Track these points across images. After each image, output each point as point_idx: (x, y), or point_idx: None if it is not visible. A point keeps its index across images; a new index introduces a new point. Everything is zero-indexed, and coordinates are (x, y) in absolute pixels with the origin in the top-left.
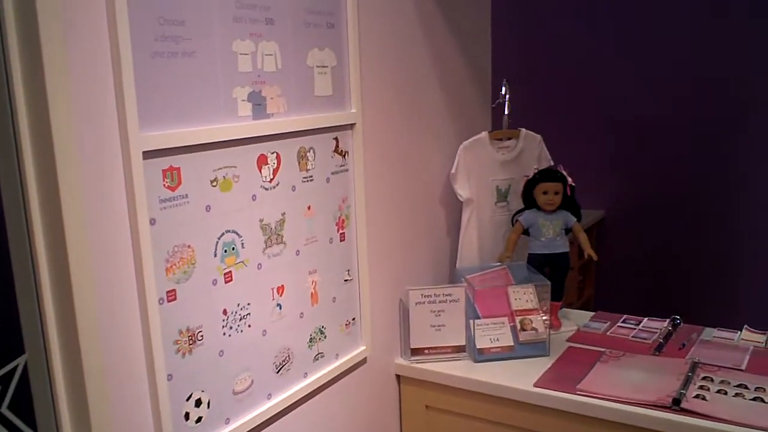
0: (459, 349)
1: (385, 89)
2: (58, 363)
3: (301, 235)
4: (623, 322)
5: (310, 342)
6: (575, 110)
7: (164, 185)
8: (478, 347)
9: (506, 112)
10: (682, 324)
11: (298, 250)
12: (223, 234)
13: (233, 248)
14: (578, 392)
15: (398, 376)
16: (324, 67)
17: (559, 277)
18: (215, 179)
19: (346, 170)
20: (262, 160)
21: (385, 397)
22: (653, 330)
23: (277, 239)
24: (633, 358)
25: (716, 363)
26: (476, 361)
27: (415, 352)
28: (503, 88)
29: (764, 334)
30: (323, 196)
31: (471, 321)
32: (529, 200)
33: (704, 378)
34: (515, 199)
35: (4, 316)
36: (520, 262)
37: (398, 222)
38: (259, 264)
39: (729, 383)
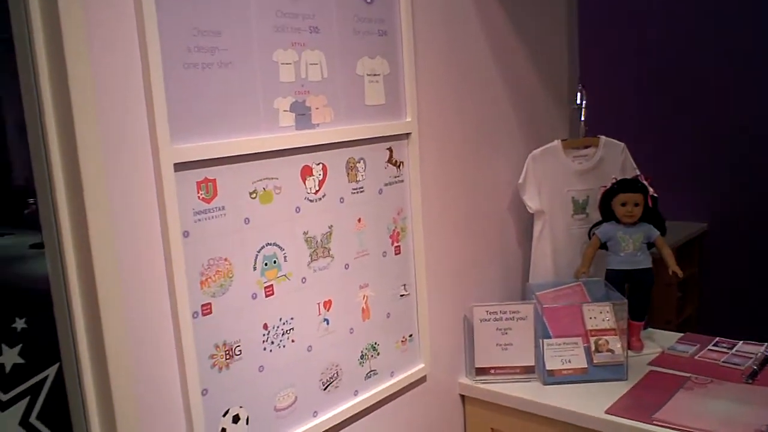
0: (528, 370)
1: (444, 97)
2: (89, 374)
3: (350, 248)
4: (714, 345)
5: (362, 359)
6: (674, 116)
7: (199, 197)
8: (547, 368)
9: (582, 119)
10: None
11: (347, 264)
12: (263, 247)
13: (275, 261)
14: (654, 422)
15: (462, 397)
16: (376, 75)
17: (640, 295)
18: (254, 191)
19: (402, 181)
20: (306, 172)
21: (448, 417)
22: (748, 355)
23: (323, 252)
24: (721, 386)
25: None
26: (545, 383)
27: (480, 371)
28: (578, 95)
29: None
30: (375, 208)
31: (541, 340)
32: (607, 212)
33: None
34: (595, 211)
35: (38, 328)
36: (597, 279)
37: (460, 235)
38: (304, 278)
39: None
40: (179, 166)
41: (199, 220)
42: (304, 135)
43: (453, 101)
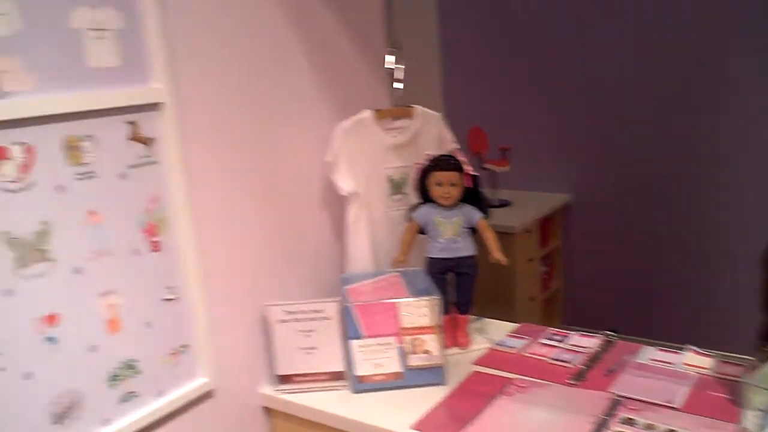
0: (336, 376)
1: (214, 58)
2: None
3: (80, 248)
4: (547, 338)
5: (113, 380)
6: (535, 83)
7: None
8: (357, 374)
9: (396, 86)
10: (616, 342)
11: (78, 268)
12: None
13: None
14: None
15: (267, 410)
16: (101, 30)
17: (464, 286)
18: None
19: (154, 162)
20: None
21: None
22: (581, 349)
23: (37, 256)
24: (543, 390)
25: (644, 398)
26: (355, 391)
27: (283, 379)
28: (390, 57)
29: (712, 357)
30: (116, 197)
31: (349, 342)
32: (424, 193)
33: (625, 420)
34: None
35: None
36: (416, 269)
37: (251, 225)
38: (8, 290)
39: (655, 428)
40: None
41: None
42: None
43: (227, 64)
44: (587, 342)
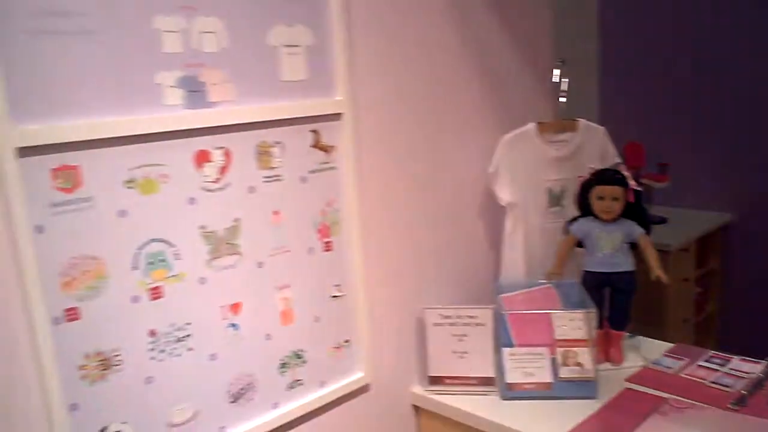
0: (486, 382)
1: (389, 72)
2: None
3: (264, 244)
4: (706, 360)
5: (282, 368)
6: (695, 100)
7: (55, 187)
8: (507, 381)
9: (561, 99)
10: None
11: (260, 262)
12: (146, 244)
13: (162, 260)
14: None
15: (416, 408)
16: (294, 46)
17: (620, 302)
18: (132, 180)
19: (332, 168)
20: (202, 157)
21: (399, 430)
22: (742, 375)
23: (228, 249)
24: (701, 413)
25: None
26: (504, 398)
27: (434, 380)
28: (556, 71)
29: None
30: (297, 199)
31: (501, 349)
32: (585, 206)
33: None
34: (572, 203)
35: None
36: (571, 281)
37: (413, 229)
38: (202, 278)
39: None
40: (25, 151)
41: (58, 212)
42: (197, 115)
43: (400, 78)
44: (749, 367)
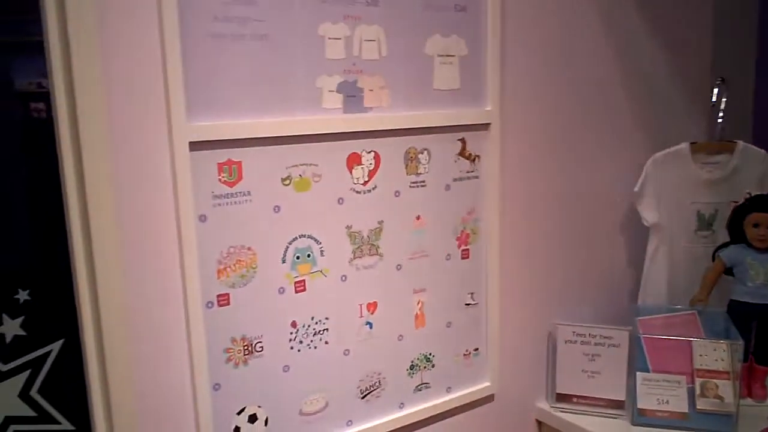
0: (615, 405)
1: (537, 85)
2: (93, 352)
3: (404, 247)
4: None
5: (411, 369)
6: None
7: (220, 180)
8: (639, 407)
9: (719, 120)
10: None
11: (399, 265)
12: (295, 239)
13: (309, 255)
14: None
15: (539, 423)
16: (449, 56)
17: None
18: (288, 177)
19: (476, 177)
20: (354, 160)
21: None
22: None
23: (370, 250)
24: None
25: None
26: (634, 423)
27: (561, 398)
28: (715, 90)
29: None
30: (440, 206)
31: (636, 373)
32: (738, 232)
33: None
34: (723, 228)
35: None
36: (717, 310)
37: (550, 243)
38: (344, 275)
39: None
40: (196, 145)
41: (220, 204)
42: (352, 119)
43: (548, 91)
44: None
